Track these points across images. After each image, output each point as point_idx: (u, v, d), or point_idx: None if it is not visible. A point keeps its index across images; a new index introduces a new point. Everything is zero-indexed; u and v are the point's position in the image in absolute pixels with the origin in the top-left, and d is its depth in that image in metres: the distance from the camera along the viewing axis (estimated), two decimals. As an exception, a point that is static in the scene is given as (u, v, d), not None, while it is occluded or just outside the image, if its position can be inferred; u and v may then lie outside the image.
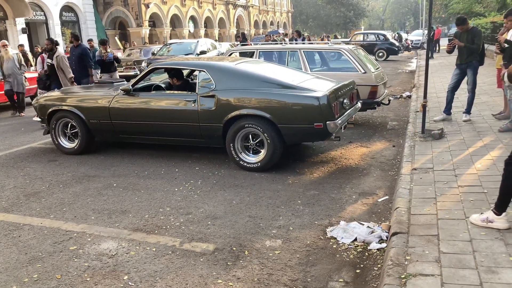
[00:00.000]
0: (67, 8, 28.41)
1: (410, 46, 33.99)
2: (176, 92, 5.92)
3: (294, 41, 16.52)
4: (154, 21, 33.93)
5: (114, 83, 6.90)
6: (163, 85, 6.46)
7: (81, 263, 3.34)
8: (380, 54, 25.25)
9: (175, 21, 36.14)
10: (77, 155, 6.36)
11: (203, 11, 39.05)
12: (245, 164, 5.42)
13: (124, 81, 7.33)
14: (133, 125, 5.92)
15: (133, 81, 6.01)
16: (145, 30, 31.53)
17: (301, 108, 5.10)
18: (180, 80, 6.21)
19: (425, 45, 33.53)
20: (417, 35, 38.25)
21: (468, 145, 5.81)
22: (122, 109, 5.91)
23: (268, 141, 5.22)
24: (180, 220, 4.09)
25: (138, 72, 14.84)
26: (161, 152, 6.39)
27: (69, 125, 6.37)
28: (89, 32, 29.50)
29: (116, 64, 11.14)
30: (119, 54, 20.65)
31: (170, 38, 34.15)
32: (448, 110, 7.25)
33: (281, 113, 5.15)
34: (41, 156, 6.53)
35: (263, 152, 5.35)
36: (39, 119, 6.62)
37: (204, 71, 5.61)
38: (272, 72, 5.82)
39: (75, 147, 6.36)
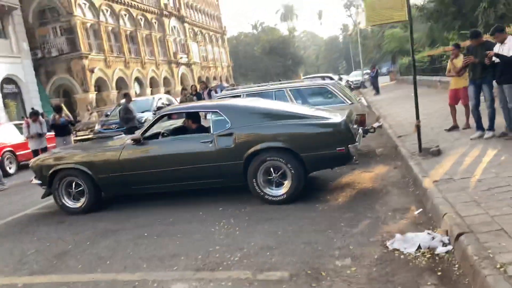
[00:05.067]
0: (8, 80, 27.64)
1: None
2: (190, 135, 5.91)
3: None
4: (100, 85, 33.66)
5: (114, 137, 6.77)
6: (167, 133, 6.42)
7: (162, 307, 3.18)
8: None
9: (121, 83, 35.98)
10: (84, 214, 6.08)
11: (147, 71, 39.29)
12: (270, 197, 5.42)
13: (122, 134, 7.20)
14: (148, 175, 5.78)
15: (141, 130, 5.94)
16: (92, 95, 31.13)
17: (323, 135, 5.26)
18: (196, 123, 6.22)
19: (365, 84, 35.51)
20: (356, 76, 40.37)
21: (469, 155, 6.17)
22: (134, 159, 5.79)
23: (292, 171, 5.29)
24: (237, 255, 4.00)
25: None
26: (170, 200, 6.23)
27: (74, 183, 6.11)
28: (33, 103, 28.64)
29: (72, 127, 11.31)
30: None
31: (117, 101, 33.86)
32: (480, 127, 7.23)
33: (303, 142, 5.27)
34: (45, 219, 6.19)
35: (287, 184, 5.39)
36: (39, 181, 6.30)
37: (217, 111, 5.67)
38: (280, 106, 5.98)
39: (82, 206, 6.08)
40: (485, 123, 7.17)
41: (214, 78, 54.48)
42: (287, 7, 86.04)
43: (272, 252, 3.98)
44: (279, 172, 5.42)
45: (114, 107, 17.77)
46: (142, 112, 15.01)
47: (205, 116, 7.37)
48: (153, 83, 40.85)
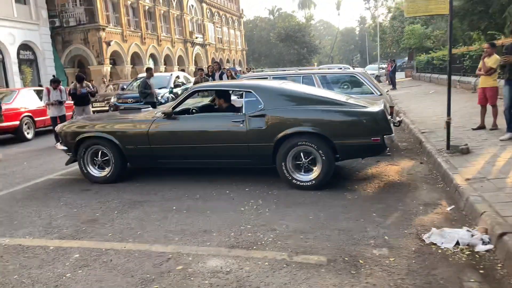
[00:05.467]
0: (24, 47, 27.60)
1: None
2: (221, 113, 5.84)
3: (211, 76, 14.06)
4: (115, 59, 33.57)
5: (142, 109, 6.72)
6: (196, 109, 6.36)
7: (201, 281, 3.15)
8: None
9: (135, 59, 35.91)
10: (109, 184, 6.06)
11: (162, 49, 39.16)
12: (299, 182, 5.36)
13: (149, 107, 7.15)
14: (176, 149, 5.74)
15: (173, 104, 5.87)
16: (107, 68, 31.03)
17: (359, 123, 5.17)
18: (227, 102, 6.16)
19: (380, 78, 35.16)
20: (372, 69, 39.93)
21: (501, 156, 6.08)
22: (163, 133, 5.74)
23: (323, 158, 5.22)
24: (270, 236, 3.96)
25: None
26: (194, 176, 6.20)
27: (100, 152, 6.08)
28: (48, 71, 28.68)
29: (92, 98, 11.30)
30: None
31: (131, 76, 33.82)
32: (511, 128, 7.13)
33: (338, 129, 5.19)
34: (69, 186, 6.18)
35: (317, 170, 5.33)
36: (64, 147, 6.27)
37: (250, 92, 5.59)
38: (314, 91, 5.89)
39: (107, 176, 6.06)
40: None
41: (228, 61, 54.25)
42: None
43: (306, 236, 3.94)
44: (309, 158, 5.36)
45: (131, 81, 17.69)
46: (159, 88, 14.92)
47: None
48: (167, 61, 40.72)
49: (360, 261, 3.41)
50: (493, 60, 8.18)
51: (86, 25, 30.56)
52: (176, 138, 5.70)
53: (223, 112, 6.01)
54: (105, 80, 22.34)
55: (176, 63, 41.54)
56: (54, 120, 10.24)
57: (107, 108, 16.01)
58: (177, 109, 5.88)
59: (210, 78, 14.67)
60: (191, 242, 3.88)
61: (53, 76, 13.21)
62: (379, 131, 5.11)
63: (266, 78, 8.27)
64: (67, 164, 6.51)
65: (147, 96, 11.38)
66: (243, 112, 5.54)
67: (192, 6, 46.00)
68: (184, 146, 5.69)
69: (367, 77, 7.85)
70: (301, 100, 5.48)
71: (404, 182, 5.71)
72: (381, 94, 7.65)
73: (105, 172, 6.10)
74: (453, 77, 20.65)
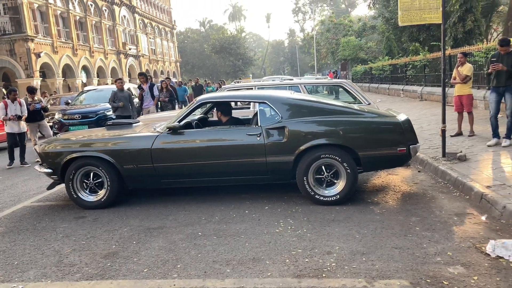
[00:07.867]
0: None
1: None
2: (234, 126, 5.40)
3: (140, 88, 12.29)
4: (45, 71, 31.53)
5: (132, 124, 6.08)
6: (198, 123, 5.87)
7: (293, 321, 2.73)
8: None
9: (67, 71, 34.02)
10: (103, 209, 5.38)
11: (95, 60, 37.47)
12: (322, 198, 5.06)
13: (139, 121, 6.50)
14: (184, 167, 5.20)
15: (178, 117, 5.34)
16: (37, 81, 29.02)
17: (385, 133, 5.00)
18: (228, 115, 5.72)
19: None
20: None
21: (502, 162, 6.18)
22: (170, 150, 5.19)
23: (348, 171, 4.98)
24: (329, 260, 3.61)
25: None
26: (197, 196, 5.72)
27: (92, 174, 5.40)
28: (-31, 85, 26.35)
29: (44, 113, 10.24)
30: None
31: (63, 89, 31.97)
32: (497, 135, 7.31)
33: (363, 140, 4.98)
34: (57, 213, 5.40)
35: (340, 184, 5.06)
36: (47, 170, 5.49)
37: (265, 103, 5.22)
38: (329, 101, 5.65)
39: (102, 200, 5.38)
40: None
41: (162, 73, 53.13)
42: (236, 7, 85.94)
43: (368, 257, 3.64)
44: (332, 171, 5.09)
45: (76, 94, 16.48)
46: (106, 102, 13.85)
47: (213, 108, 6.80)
48: (100, 73, 39.06)
49: (445, 282, 3.16)
50: (467, 68, 8.45)
51: (12, 35, 28.51)
52: (186, 155, 5.18)
53: (225, 125, 5.59)
54: (47, 94, 20.52)
55: (110, 75, 39.92)
56: (12, 137, 9.13)
57: (51, 124, 14.69)
58: (182, 123, 5.36)
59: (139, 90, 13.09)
60: (247, 274, 3.42)
61: (8, 86, 11.90)
62: (405, 141, 4.96)
63: (252, 88, 7.94)
64: (49, 188, 5.74)
65: (116, 110, 10.42)
66: (259, 124, 5.16)
67: (125, 16, 44.61)
68: (193, 163, 5.18)
69: (353, 87, 7.76)
70: (319, 110, 5.21)
71: (418, 192, 5.60)
72: (369, 103, 7.59)
73: (99, 196, 5.42)
74: (397, 86, 21.57)
